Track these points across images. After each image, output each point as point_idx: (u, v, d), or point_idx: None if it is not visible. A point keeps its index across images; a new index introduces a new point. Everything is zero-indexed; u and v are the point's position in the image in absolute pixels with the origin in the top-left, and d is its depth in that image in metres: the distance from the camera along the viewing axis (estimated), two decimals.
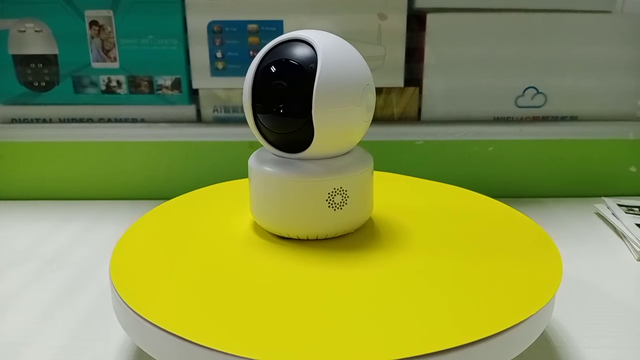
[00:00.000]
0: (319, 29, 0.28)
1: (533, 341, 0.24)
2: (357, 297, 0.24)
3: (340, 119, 0.27)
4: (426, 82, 0.49)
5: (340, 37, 0.28)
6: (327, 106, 0.26)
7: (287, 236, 0.29)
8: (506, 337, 0.22)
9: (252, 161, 0.29)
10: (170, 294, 0.25)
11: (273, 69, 0.27)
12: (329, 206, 0.28)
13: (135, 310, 0.23)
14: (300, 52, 0.27)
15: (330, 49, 0.27)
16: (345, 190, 0.28)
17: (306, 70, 0.26)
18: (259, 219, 0.30)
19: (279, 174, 0.28)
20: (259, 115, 0.28)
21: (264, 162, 0.29)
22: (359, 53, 0.29)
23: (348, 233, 0.30)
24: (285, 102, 0.27)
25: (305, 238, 0.29)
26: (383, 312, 0.23)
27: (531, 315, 0.23)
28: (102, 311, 0.32)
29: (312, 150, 0.27)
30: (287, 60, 0.27)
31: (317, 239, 0.29)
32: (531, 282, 0.26)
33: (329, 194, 0.28)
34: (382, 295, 0.25)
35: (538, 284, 0.25)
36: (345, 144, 0.28)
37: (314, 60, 0.26)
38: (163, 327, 0.22)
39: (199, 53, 0.48)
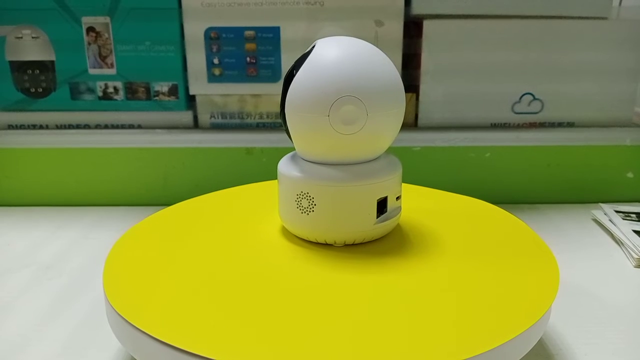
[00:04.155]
0: (324, 36, 0.29)
1: (528, 350, 0.24)
2: (350, 305, 0.24)
3: (307, 125, 0.27)
4: (423, 88, 0.49)
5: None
6: (295, 110, 0.27)
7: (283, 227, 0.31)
8: (501, 349, 0.22)
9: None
10: (163, 303, 0.25)
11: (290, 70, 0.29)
12: (297, 207, 0.29)
13: (128, 320, 0.23)
14: (305, 57, 0.28)
15: (324, 57, 0.27)
16: (312, 197, 0.28)
17: (292, 75, 0.28)
18: None
19: (280, 164, 0.30)
20: None
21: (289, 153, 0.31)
22: (371, 66, 0.27)
23: (331, 244, 0.29)
24: (281, 102, 0.29)
25: (291, 234, 0.30)
26: (375, 323, 0.23)
27: (527, 329, 0.23)
28: (97, 319, 0.32)
29: (298, 150, 0.29)
30: (294, 64, 0.28)
31: (310, 241, 0.30)
32: (527, 292, 0.26)
33: (297, 195, 0.28)
34: (377, 305, 0.24)
35: (534, 294, 0.25)
36: (322, 151, 0.28)
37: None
38: (155, 337, 0.22)
39: (196, 59, 0.48)
